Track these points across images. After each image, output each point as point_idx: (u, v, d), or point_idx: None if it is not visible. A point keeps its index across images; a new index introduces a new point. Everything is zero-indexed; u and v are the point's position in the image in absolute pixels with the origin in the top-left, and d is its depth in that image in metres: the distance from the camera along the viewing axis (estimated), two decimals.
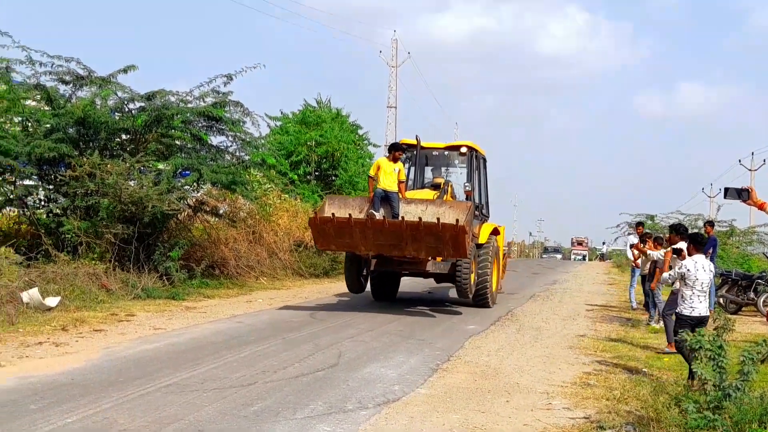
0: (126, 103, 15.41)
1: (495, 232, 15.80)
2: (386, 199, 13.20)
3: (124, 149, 15.20)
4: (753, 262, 28.91)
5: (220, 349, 9.56)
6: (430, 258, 13.57)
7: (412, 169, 15.83)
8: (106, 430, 5.66)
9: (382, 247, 12.79)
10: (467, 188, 14.66)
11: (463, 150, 15.19)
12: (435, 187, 15.21)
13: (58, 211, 14.86)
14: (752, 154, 53.80)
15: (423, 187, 15.72)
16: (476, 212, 14.55)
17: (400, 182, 13.61)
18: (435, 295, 16.79)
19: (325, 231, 12.85)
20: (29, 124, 14.91)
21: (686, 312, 8.38)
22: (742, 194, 6.30)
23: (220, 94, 15.98)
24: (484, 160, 16.22)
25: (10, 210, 15.46)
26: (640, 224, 17.14)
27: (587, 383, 8.46)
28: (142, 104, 15.45)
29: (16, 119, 14.85)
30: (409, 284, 17.74)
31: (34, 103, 15.00)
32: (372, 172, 13.67)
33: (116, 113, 15.30)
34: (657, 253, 12.51)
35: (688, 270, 8.35)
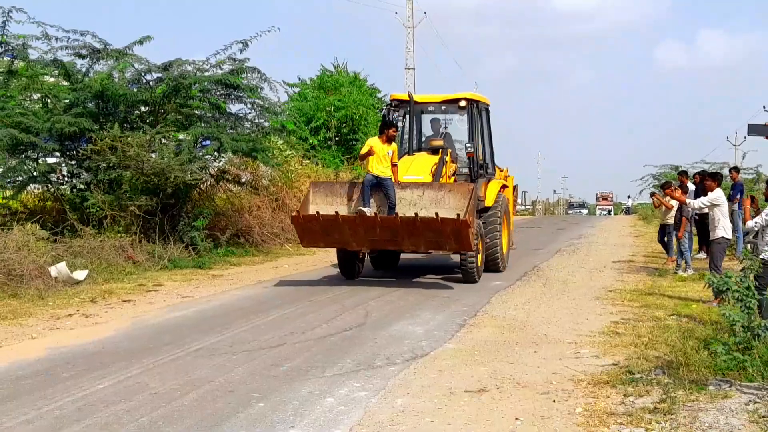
0: (143, 74, 15.51)
1: (503, 186, 14.88)
2: (379, 186, 11.92)
3: (143, 121, 15.39)
4: None
5: (247, 314, 9.83)
6: (431, 250, 13.04)
7: (407, 128, 14.56)
8: (137, 394, 5.87)
9: (376, 242, 11.85)
10: (469, 149, 13.34)
11: (462, 103, 13.63)
12: (433, 151, 13.77)
13: (81, 186, 15.12)
14: None
15: (420, 149, 14.60)
16: (480, 171, 13.87)
17: (393, 165, 12.24)
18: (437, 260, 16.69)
19: (310, 229, 11.79)
20: (48, 101, 15.05)
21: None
22: (765, 131, 6.22)
23: (237, 62, 16.03)
24: (487, 110, 14.85)
25: (34, 187, 15.66)
26: (667, 184, 16.73)
27: (615, 332, 8.64)
28: (160, 75, 15.58)
29: (36, 96, 15.05)
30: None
31: (52, 79, 15.21)
32: (364, 150, 12.18)
33: (134, 85, 15.46)
34: (698, 202, 12.05)
35: None
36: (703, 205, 11.77)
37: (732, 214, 12.84)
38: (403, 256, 15.83)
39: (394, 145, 12.30)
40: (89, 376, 6.53)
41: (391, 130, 12.23)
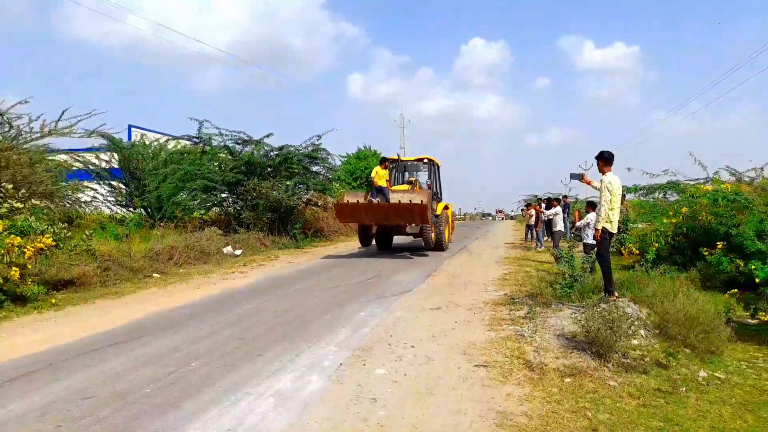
0: (269, 152, 18.10)
1: (446, 207, 16.15)
2: (380, 191, 13.81)
3: (269, 175, 17.81)
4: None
5: (321, 271, 11.26)
6: (407, 224, 14.54)
7: (395, 173, 16.56)
8: (265, 312, 7.22)
9: (378, 218, 13.75)
10: (428, 183, 15.82)
11: (425, 161, 16.22)
12: (409, 183, 16.15)
13: (238, 208, 17.78)
14: None
15: (403, 183, 16.53)
16: (434, 197, 15.37)
17: (387, 181, 14.30)
18: (414, 243, 18.47)
19: (344, 211, 13.79)
20: (222, 166, 17.52)
21: (588, 241, 9.53)
22: (578, 177, 7.36)
23: (316, 144, 18.45)
24: (438, 166, 16.94)
25: (216, 209, 18.62)
26: (528, 205, 22.09)
27: (505, 279, 10.08)
28: (277, 152, 18.05)
29: (216, 163, 17.65)
30: (397, 240, 19.17)
31: (223, 155, 17.98)
32: (372, 175, 14.40)
33: (265, 157, 17.96)
34: (549, 212, 15.74)
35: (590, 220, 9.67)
36: (550, 214, 15.47)
37: (564, 219, 16.13)
38: (396, 240, 18.32)
39: (387, 171, 14.45)
40: (243, 302, 7.87)
41: (386, 163, 14.70)
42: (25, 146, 10.18)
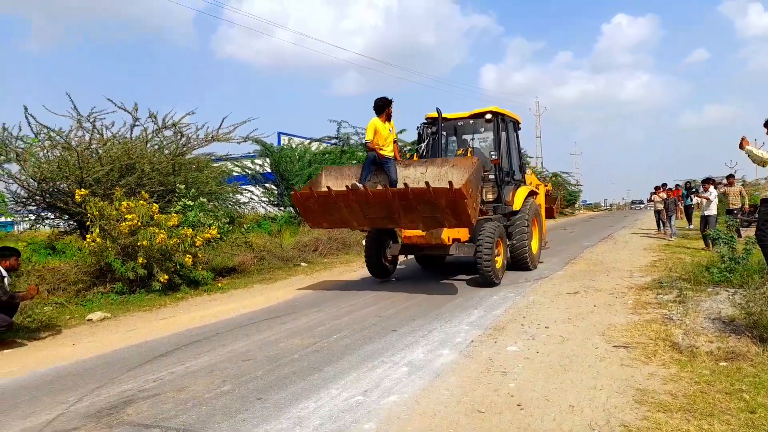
0: (401, 147, 17.59)
1: (531, 193, 10.07)
2: (381, 165, 7.80)
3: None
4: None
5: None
6: (435, 229, 7.74)
7: (435, 140, 9.72)
8: (398, 294, 7.46)
9: (374, 220, 7.32)
10: (493, 157, 9.05)
11: (488, 116, 9.37)
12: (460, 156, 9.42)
13: None
14: None
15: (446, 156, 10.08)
16: (507, 179, 9.35)
17: (394, 143, 8.08)
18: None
19: (309, 208, 7.48)
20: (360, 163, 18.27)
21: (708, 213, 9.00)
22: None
23: None
24: (515, 123, 10.22)
25: None
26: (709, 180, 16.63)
27: (654, 265, 9.37)
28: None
29: (354, 162, 17.24)
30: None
31: (361, 153, 17.71)
32: (369, 137, 7.76)
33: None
34: (710, 193, 12.32)
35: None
36: (704, 198, 12.30)
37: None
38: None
39: (392, 124, 8.02)
40: (379, 286, 8.24)
41: (389, 108, 7.82)
42: (193, 152, 11.61)
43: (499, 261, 8.19)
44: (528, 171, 11.47)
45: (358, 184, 7.33)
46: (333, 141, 18.85)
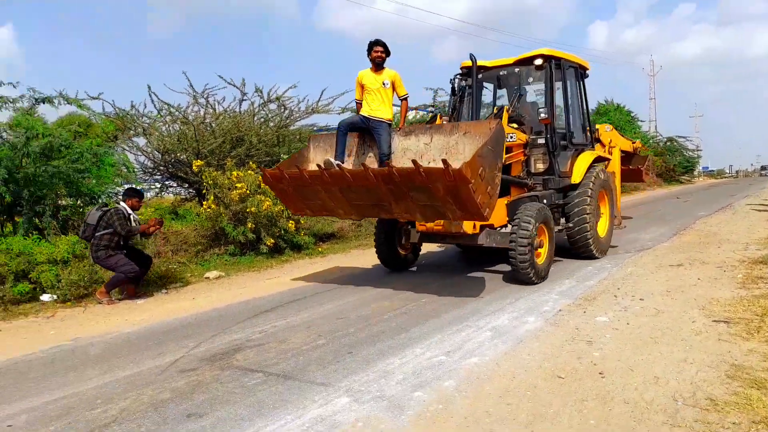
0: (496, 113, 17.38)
1: (599, 159, 7.98)
2: (372, 131, 5.97)
3: None
4: None
5: None
6: (475, 227, 6.12)
7: (471, 96, 7.39)
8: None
9: (361, 209, 5.63)
10: (542, 115, 6.75)
11: (538, 62, 7.06)
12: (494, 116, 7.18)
13: None
14: None
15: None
16: (563, 142, 7.23)
17: (403, 99, 6.15)
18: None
19: (284, 192, 5.94)
20: None
21: None
22: None
23: None
24: (578, 70, 7.81)
25: None
26: None
27: None
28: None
29: None
30: None
31: None
32: (358, 96, 6.09)
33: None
34: None
35: None
36: None
37: None
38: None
39: (391, 72, 5.97)
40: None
41: (380, 51, 5.88)
42: (295, 124, 12.23)
43: (543, 253, 6.23)
44: (608, 128, 9.72)
45: (332, 161, 5.61)
46: (429, 109, 18.83)
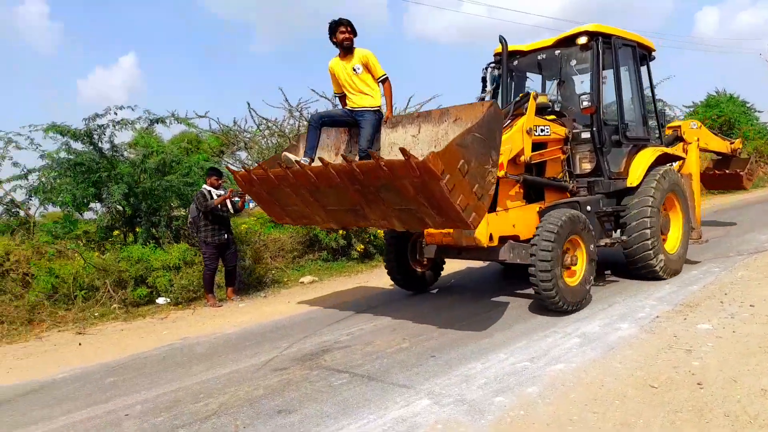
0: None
1: (668, 158, 6.60)
2: (353, 124, 5.08)
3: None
4: None
5: None
6: (491, 239, 4.91)
7: (506, 82, 6.36)
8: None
9: (337, 215, 4.71)
10: (585, 105, 5.56)
11: (583, 39, 5.91)
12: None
13: None
14: None
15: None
16: (614, 137, 6.03)
17: (381, 81, 5.00)
18: None
19: (259, 196, 5.11)
20: None
21: None
22: None
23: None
24: (636, 50, 6.46)
25: None
26: None
27: None
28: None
29: None
30: None
31: None
32: (336, 90, 5.20)
33: None
34: None
35: None
36: None
37: None
38: None
39: (364, 53, 4.95)
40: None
41: (339, 34, 4.90)
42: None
43: (577, 272, 5.05)
44: (694, 125, 8.13)
45: (290, 157, 4.59)
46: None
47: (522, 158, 5.14)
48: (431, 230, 5.17)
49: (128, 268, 6.82)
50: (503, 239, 5.01)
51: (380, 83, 5.02)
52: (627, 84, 6.41)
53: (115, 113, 7.93)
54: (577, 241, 5.05)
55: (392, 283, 6.51)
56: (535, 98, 5.37)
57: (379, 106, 5.03)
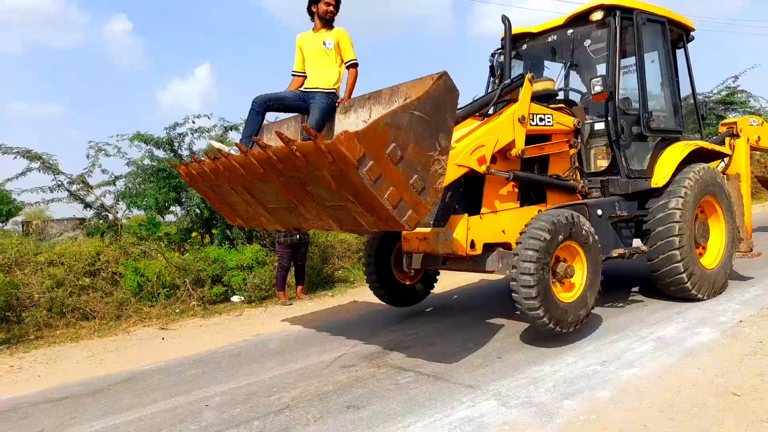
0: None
1: (705, 155, 5.55)
2: (306, 110, 4.43)
3: None
4: None
5: None
6: (472, 246, 4.15)
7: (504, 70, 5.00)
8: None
9: (279, 213, 3.92)
10: (597, 90, 4.77)
11: (597, 15, 5.01)
12: (540, 99, 4.88)
13: None
14: None
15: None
16: (634, 128, 5.09)
17: (349, 65, 4.43)
18: None
19: (205, 193, 4.59)
20: None
21: None
22: None
23: (731, 87, 16.41)
24: (664, 26, 5.36)
25: None
26: None
27: None
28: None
29: None
30: None
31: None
32: (297, 67, 4.56)
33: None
34: None
35: None
36: None
37: None
38: None
39: (337, 31, 4.45)
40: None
41: (322, 4, 4.41)
42: None
43: (577, 287, 4.22)
44: (754, 121, 6.76)
45: (215, 145, 4.26)
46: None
47: (513, 151, 4.34)
48: (406, 234, 4.48)
49: (206, 268, 7.19)
50: (489, 247, 4.25)
51: (349, 67, 4.42)
52: (657, 68, 5.46)
53: (193, 122, 8.40)
54: (575, 249, 4.18)
55: (452, 284, 6.60)
56: (531, 81, 4.48)
57: (334, 89, 4.38)
